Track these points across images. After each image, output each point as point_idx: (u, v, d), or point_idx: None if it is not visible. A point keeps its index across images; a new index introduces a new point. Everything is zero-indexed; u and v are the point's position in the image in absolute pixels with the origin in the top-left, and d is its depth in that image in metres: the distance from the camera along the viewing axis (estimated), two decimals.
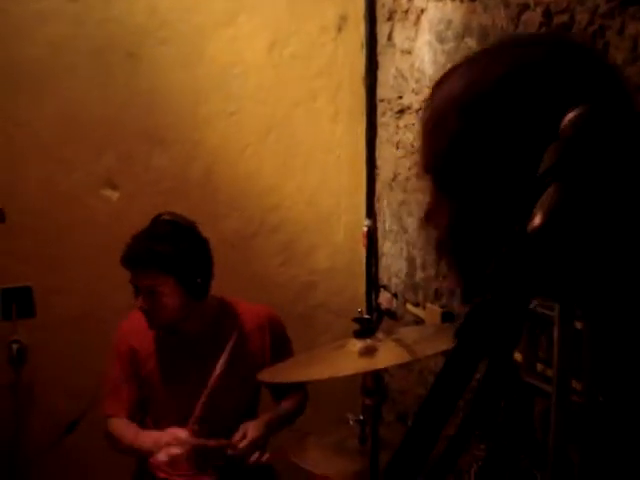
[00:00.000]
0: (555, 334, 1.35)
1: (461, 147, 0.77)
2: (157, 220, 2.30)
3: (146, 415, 2.43)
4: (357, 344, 1.87)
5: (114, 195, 3.09)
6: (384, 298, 3.27)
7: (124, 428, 2.34)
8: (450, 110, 0.79)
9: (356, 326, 1.97)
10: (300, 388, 2.49)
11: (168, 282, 2.22)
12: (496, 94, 0.76)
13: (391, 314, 3.14)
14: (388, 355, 1.84)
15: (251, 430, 2.24)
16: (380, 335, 1.91)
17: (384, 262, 3.26)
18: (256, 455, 2.23)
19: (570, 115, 0.62)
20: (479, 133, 0.76)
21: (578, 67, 0.75)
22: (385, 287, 3.26)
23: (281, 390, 2.45)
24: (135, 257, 2.23)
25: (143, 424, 2.41)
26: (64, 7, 2.94)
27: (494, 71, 0.77)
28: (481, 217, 0.78)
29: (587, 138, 0.59)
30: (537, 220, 0.54)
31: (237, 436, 2.23)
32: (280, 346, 2.44)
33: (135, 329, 2.39)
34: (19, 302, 2.94)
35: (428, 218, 0.85)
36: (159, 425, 2.36)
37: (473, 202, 0.78)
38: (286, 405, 2.45)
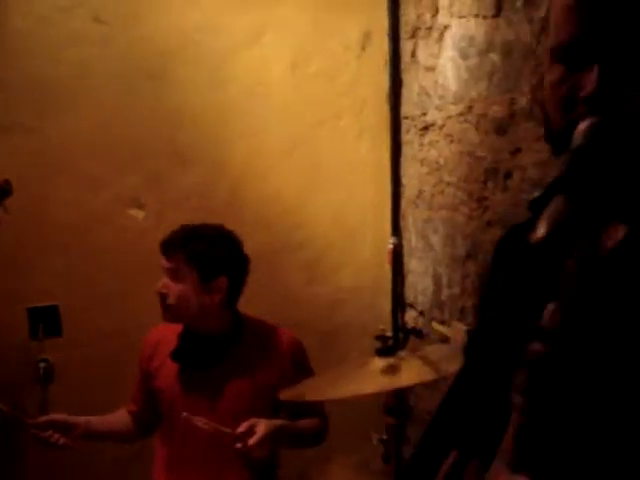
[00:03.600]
0: None
1: None
2: (205, 223, 2.35)
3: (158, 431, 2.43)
4: (379, 362, 1.85)
5: (140, 214, 3.11)
6: (410, 316, 3.25)
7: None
8: None
9: (380, 344, 1.96)
10: (320, 414, 2.41)
11: (192, 273, 2.23)
12: None
13: (417, 332, 3.12)
14: (411, 373, 1.82)
15: (261, 427, 2.11)
16: (403, 353, 1.90)
17: (410, 280, 3.24)
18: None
19: (581, 126, 0.62)
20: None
21: None
22: (411, 305, 3.24)
23: (299, 414, 2.37)
24: (169, 242, 2.27)
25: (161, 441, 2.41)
26: (91, 29, 2.98)
27: None
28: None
29: (595, 151, 0.59)
30: (541, 231, 0.53)
31: (243, 427, 2.11)
32: (301, 373, 2.34)
33: (155, 339, 2.41)
34: (46, 321, 2.98)
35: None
36: (165, 444, 2.36)
37: None
38: (302, 422, 2.36)
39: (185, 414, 2.15)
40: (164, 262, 2.27)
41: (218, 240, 2.30)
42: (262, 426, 2.11)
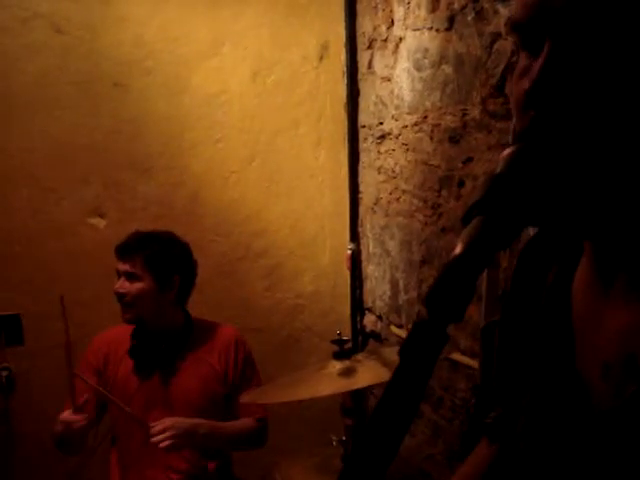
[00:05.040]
0: None
1: None
2: (155, 229, 2.49)
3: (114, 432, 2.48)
4: (336, 365, 1.91)
5: (101, 223, 3.13)
6: (369, 320, 3.32)
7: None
8: None
9: (336, 348, 2.02)
10: (260, 420, 2.46)
11: (149, 273, 2.36)
12: None
13: (376, 336, 3.18)
14: (367, 375, 1.88)
15: (168, 420, 2.23)
16: (360, 356, 1.96)
17: (368, 285, 3.31)
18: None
19: (504, 153, 0.66)
20: None
21: None
22: (369, 309, 3.31)
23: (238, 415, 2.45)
24: (125, 246, 2.39)
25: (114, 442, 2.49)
26: (52, 39, 2.99)
27: None
28: None
29: (514, 178, 0.63)
30: (457, 249, 0.60)
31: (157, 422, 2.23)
32: (246, 367, 2.49)
33: (107, 341, 2.49)
34: (8, 330, 2.98)
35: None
36: (121, 444, 2.44)
37: None
38: (233, 423, 2.42)
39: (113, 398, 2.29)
40: (120, 265, 2.38)
41: (171, 242, 2.45)
42: (167, 420, 2.23)
